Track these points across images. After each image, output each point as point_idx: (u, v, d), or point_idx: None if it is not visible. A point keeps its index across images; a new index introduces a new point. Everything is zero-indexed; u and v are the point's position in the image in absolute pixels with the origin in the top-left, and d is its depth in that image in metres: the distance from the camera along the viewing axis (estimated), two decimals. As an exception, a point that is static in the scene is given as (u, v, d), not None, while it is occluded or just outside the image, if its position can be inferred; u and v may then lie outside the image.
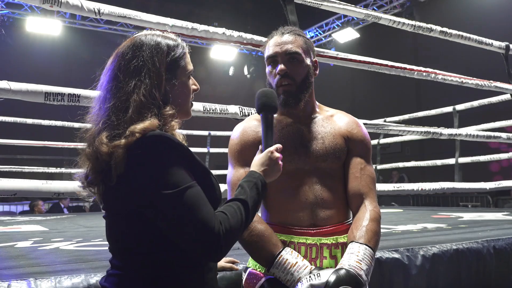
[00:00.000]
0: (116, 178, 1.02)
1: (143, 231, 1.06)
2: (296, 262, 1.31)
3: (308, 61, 1.52)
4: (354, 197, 1.47)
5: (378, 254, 1.94)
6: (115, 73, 1.11)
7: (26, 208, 8.75)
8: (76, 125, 4.51)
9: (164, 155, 1.02)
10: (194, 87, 1.23)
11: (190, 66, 1.20)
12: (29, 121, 6.33)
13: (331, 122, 1.56)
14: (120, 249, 1.11)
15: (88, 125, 1.12)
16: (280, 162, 1.26)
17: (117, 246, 1.11)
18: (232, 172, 1.54)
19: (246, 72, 12.54)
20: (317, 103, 1.61)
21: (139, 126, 1.02)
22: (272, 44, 1.51)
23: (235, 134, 1.58)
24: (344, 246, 1.42)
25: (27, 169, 7.28)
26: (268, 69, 1.53)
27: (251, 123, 1.58)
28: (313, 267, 1.31)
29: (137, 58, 1.10)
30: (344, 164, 1.52)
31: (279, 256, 1.33)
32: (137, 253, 1.07)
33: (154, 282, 1.05)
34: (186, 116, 1.23)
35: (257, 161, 1.25)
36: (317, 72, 1.57)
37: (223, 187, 2.10)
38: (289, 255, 1.33)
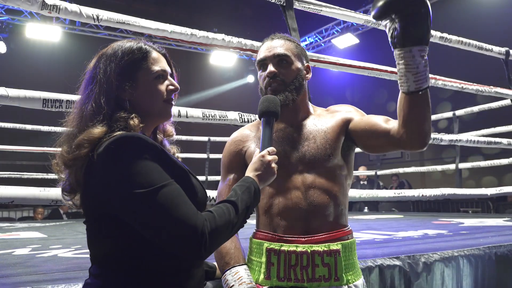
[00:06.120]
0: (86, 186, 1.04)
1: (120, 236, 1.04)
2: (232, 286, 1.33)
3: (298, 64, 1.51)
4: (386, 120, 1.42)
5: (379, 262, 1.92)
6: (82, 88, 1.15)
7: (25, 214, 8.73)
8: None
9: (134, 155, 1.00)
10: (170, 87, 1.20)
11: (157, 67, 1.17)
12: (28, 127, 6.31)
13: (324, 118, 1.53)
14: (99, 256, 1.10)
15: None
16: (274, 165, 1.25)
17: (96, 253, 1.10)
18: (220, 183, 1.57)
19: (251, 80, 12.62)
20: (311, 105, 1.59)
21: (86, 137, 1.04)
22: (263, 49, 1.53)
23: (226, 144, 1.60)
24: (337, 253, 1.39)
25: (26, 175, 7.26)
26: (259, 73, 1.54)
27: (243, 132, 1.59)
28: None
29: (95, 69, 1.13)
30: (358, 140, 1.48)
31: (224, 275, 1.37)
32: (114, 259, 1.05)
33: None
34: (162, 118, 1.21)
35: (250, 166, 1.25)
36: (309, 76, 1.55)
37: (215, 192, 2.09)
38: (230, 277, 1.35)
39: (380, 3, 1.13)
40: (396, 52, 1.20)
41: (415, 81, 1.20)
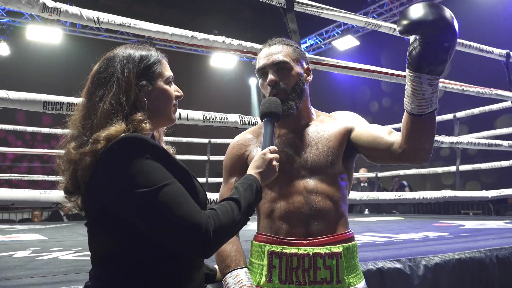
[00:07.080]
0: (88, 185, 1.04)
1: (121, 239, 1.05)
2: None
3: (298, 68, 1.50)
4: (389, 133, 1.41)
5: (380, 264, 1.92)
6: (89, 88, 1.14)
7: (26, 216, 8.73)
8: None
9: (136, 155, 1.01)
10: (177, 93, 1.23)
11: (168, 73, 1.21)
12: (29, 129, 6.32)
13: (326, 125, 1.52)
14: (99, 258, 1.09)
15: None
16: (275, 163, 1.25)
17: (97, 255, 1.10)
18: (222, 186, 1.57)
19: (252, 83, 12.67)
20: (313, 109, 1.59)
21: (103, 134, 1.03)
22: (261, 56, 1.52)
23: (228, 147, 1.60)
24: (339, 256, 1.39)
25: (27, 177, 7.26)
26: (260, 81, 1.53)
27: (245, 136, 1.59)
28: None
29: (107, 70, 1.13)
30: (361, 146, 1.47)
31: (224, 278, 1.37)
32: (115, 262, 1.05)
33: None
34: (169, 121, 1.23)
35: (252, 164, 1.26)
36: (310, 78, 1.55)
37: (215, 195, 2.09)
38: (230, 280, 1.35)
39: (404, 22, 1.12)
40: (406, 71, 1.19)
41: (418, 106, 1.20)
